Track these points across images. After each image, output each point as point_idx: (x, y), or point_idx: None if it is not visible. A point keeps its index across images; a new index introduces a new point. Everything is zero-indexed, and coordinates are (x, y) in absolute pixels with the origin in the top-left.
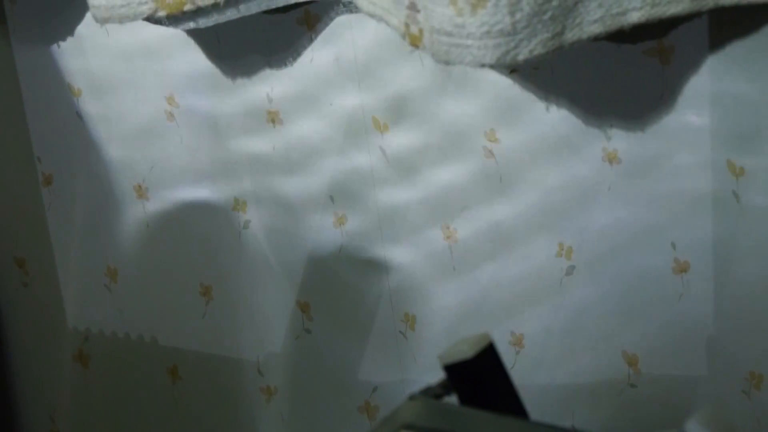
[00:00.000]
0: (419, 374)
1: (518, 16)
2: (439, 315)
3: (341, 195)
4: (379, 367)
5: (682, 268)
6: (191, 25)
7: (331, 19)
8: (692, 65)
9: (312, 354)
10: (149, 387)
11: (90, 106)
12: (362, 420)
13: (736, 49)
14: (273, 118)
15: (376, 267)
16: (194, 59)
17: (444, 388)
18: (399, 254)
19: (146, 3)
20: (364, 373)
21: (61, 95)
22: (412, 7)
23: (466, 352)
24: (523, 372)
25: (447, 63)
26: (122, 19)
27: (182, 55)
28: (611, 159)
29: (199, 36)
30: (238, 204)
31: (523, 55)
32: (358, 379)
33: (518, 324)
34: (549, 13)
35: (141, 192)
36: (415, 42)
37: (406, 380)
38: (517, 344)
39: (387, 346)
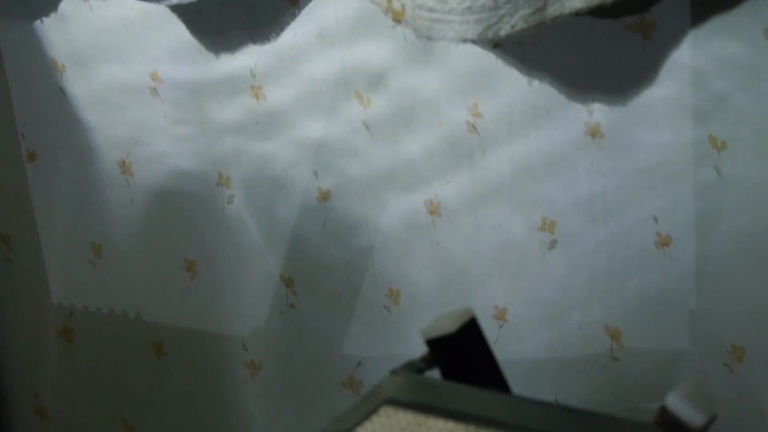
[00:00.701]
0: (403, 349)
1: None
2: (423, 290)
3: (325, 170)
4: (363, 342)
5: (664, 242)
6: (174, 0)
7: None
8: (673, 40)
9: (296, 329)
10: (134, 362)
11: (74, 82)
12: (346, 394)
13: (717, 24)
14: (257, 94)
15: (360, 242)
16: (178, 35)
17: (426, 362)
18: (383, 229)
19: None
20: (348, 347)
21: (44, 71)
22: None
23: (449, 326)
24: (506, 346)
25: (429, 38)
26: None
27: (166, 31)
28: (594, 133)
29: (182, 12)
30: (222, 179)
31: (505, 30)
32: (342, 353)
33: (502, 298)
34: None
35: (125, 168)
36: (397, 17)
37: (390, 355)
38: (501, 318)
39: (371, 321)
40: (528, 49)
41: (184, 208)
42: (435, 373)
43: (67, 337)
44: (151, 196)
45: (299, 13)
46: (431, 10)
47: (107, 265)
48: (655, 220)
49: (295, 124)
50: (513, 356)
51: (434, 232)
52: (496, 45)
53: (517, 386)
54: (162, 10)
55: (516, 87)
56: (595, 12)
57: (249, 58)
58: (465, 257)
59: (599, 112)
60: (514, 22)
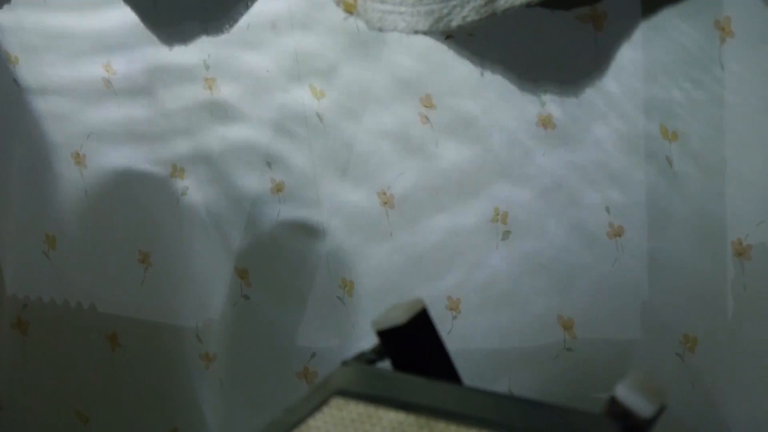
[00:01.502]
0: (357, 340)
1: None
2: (376, 281)
3: (279, 162)
4: (317, 333)
5: (616, 233)
6: None
7: None
8: (625, 31)
9: (250, 320)
10: (89, 354)
11: (27, 74)
12: (301, 385)
13: (668, 15)
14: (210, 85)
15: (313, 233)
16: (131, 26)
17: (377, 353)
18: (336, 220)
19: None
20: (303, 339)
21: None
22: None
23: (399, 317)
24: (459, 337)
25: (381, 29)
26: None
27: (119, 23)
28: (546, 124)
29: (135, 3)
30: (176, 171)
31: (456, 21)
32: (296, 345)
33: (455, 289)
34: None
35: (79, 159)
36: (349, 9)
37: (345, 346)
38: (454, 309)
39: (325, 312)
40: (480, 40)
41: (138, 200)
42: (386, 365)
43: (22, 329)
44: (105, 188)
45: (252, 4)
46: (382, 1)
47: (61, 257)
48: (608, 210)
49: (248, 116)
50: (466, 347)
51: (387, 224)
52: (448, 36)
53: (470, 377)
54: (115, 1)
55: (468, 78)
56: (546, 3)
57: (202, 49)
58: (418, 248)
59: (551, 103)
60: (465, 14)
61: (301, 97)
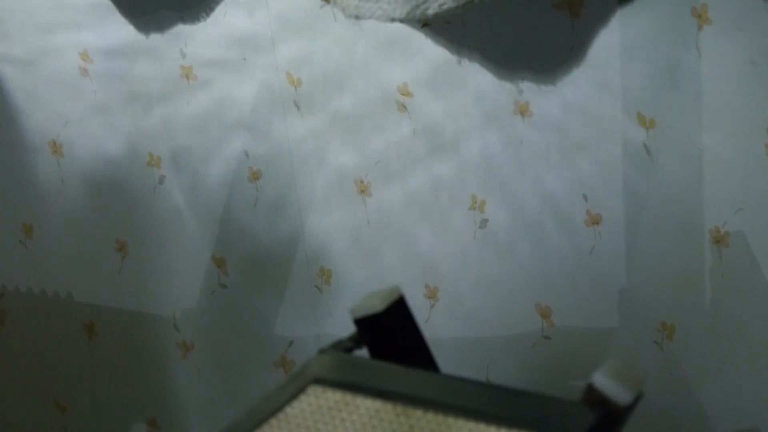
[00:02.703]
0: (335, 328)
1: None
2: (354, 269)
3: (256, 150)
4: (295, 322)
5: (594, 221)
6: None
7: None
8: (602, 18)
9: (228, 309)
10: (66, 343)
11: (3, 63)
12: (278, 374)
13: (645, 2)
14: (187, 74)
15: (291, 222)
16: (107, 15)
17: (354, 341)
18: (314, 208)
19: None
20: (280, 327)
21: None
22: None
23: (377, 305)
24: (437, 325)
25: (357, 17)
26: None
27: (95, 11)
28: (523, 112)
29: None
30: (152, 159)
31: (432, 9)
32: (273, 333)
33: (433, 277)
34: None
35: (56, 148)
36: None
37: (322, 335)
38: (432, 297)
39: (303, 301)
40: (457, 28)
41: (115, 189)
42: (363, 353)
43: None
44: (82, 177)
45: None
46: None
47: (38, 246)
48: (585, 198)
49: (225, 104)
50: (444, 335)
51: (365, 212)
52: (425, 24)
53: (448, 365)
54: None
55: (445, 66)
56: None
57: (179, 38)
58: (396, 236)
59: (528, 90)
60: (442, 1)
61: (278, 84)
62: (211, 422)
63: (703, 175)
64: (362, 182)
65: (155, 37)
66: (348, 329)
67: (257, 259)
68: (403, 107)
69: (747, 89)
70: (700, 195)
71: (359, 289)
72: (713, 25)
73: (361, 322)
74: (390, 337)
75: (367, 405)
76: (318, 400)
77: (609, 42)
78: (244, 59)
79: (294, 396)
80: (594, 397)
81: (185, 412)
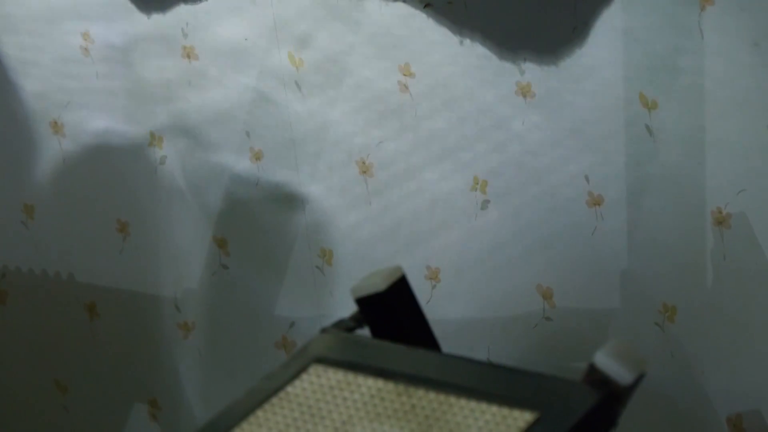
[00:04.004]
0: (336, 309)
1: None
2: (355, 250)
3: (257, 130)
4: (296, 303)
5: (595, 201)
6: None
7: None
8: None
9: (229, 290)
10: (67, 323)
11: (5, 43)
12: (279, 355)
13: None
14: (188, 54)
15: (292, 202)
16: None
17: (356, 321)
18: (315, 189)
19: None
20: (281, 308)
21: None
22: None
23: (378, 284)
24: (439, 306)
25: None
26: None
27: None
28: (525, 93)
29: None
30: (154, 139)
31: None
32: (275, 314)
33: (434, 258)
34: None
35: (57, 128)
36: None
37: (324, 315)
38: (433, 278)
39: (304, 282)
40: (459, 8)
41: (117, 169)
42: (365, 332)
43: (0, 298)
44: (83, 157)
45: None
46: None
47: (40, 227)
48: (587, 179)
49: (227, 84)
50: (446, 316)
51: (366, 192)
52: (427, 5)
53: (449, 346)
54: None
55: (447, 47)
56: None
57: (180, 17)
58: (397, 217)
59: (530, 71)
60: None
61: (280, 65)
62: (212, 402)
63: (705, 157)
64: (364, 163)
65: (157, 17)
66: (349, 309)
67: (258, 239)
68: (405, 87)
69: (750, 70)
70: (702, 176)
71: (360, 270)
72: (716, 5)
73: (363, 302)
74: (391, 316)
75: (368, 384)
76: (320, 380)
77: (611, 22)
78: (246, 39)
79: (296, 375)
80: (595, 377)
81: (186, 392)
